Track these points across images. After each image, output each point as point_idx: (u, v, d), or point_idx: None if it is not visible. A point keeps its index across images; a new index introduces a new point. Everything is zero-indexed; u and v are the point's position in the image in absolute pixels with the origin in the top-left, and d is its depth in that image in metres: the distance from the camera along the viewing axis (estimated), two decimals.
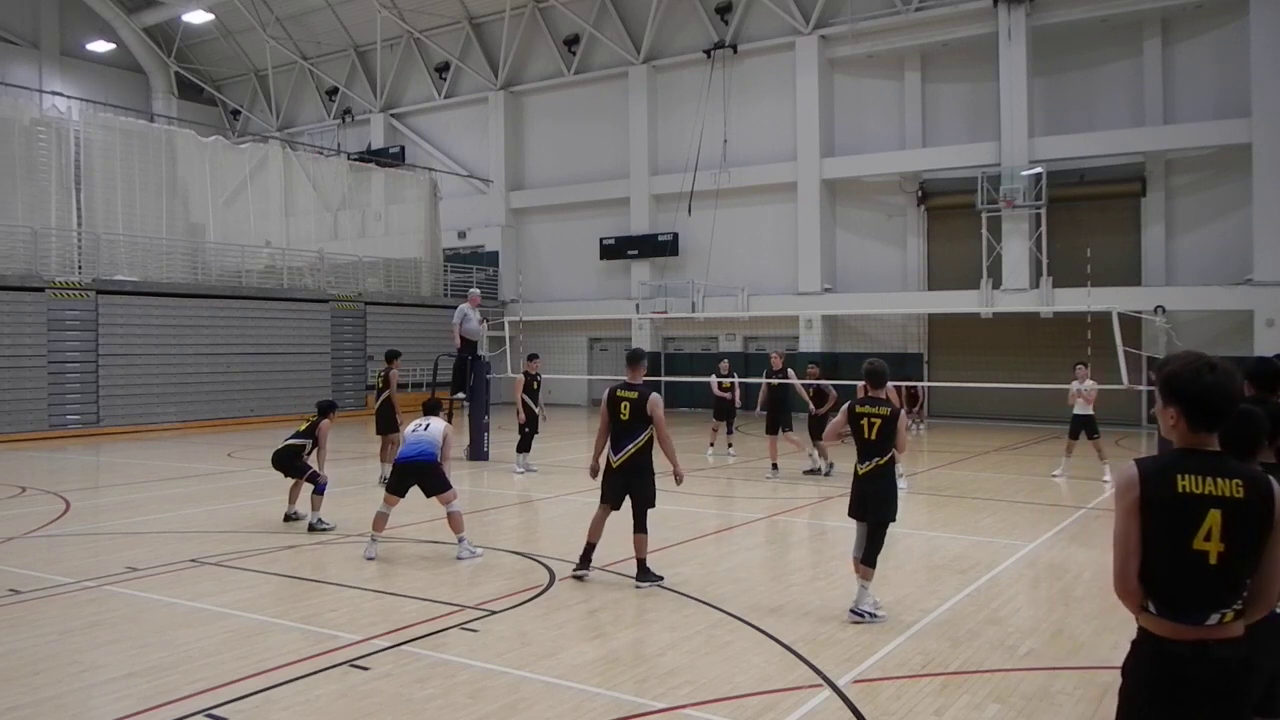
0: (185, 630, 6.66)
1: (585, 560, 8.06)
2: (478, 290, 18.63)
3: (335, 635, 6.49)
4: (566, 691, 5.46)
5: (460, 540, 8.88)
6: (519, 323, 21.10)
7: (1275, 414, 4.21)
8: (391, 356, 14.49)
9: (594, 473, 8.05)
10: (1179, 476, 2.84)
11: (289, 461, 10.70)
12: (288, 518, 10.73)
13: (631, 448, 7.76)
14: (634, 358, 8.15)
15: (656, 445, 7.86)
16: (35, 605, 7.37)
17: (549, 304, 30.94)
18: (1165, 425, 2.99)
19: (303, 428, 10.91)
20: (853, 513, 7.08)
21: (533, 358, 15.72)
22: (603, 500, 7.97)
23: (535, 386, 15.41)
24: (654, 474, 7.90)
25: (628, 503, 7.85)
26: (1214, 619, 2.83)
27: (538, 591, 7.69)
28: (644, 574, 7.88)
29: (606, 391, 7.97)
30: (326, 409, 11.07)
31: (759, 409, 15.54)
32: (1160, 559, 2.86)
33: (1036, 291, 23.89)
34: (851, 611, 6.91)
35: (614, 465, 7.83)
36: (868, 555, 6.94)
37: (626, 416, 7.75)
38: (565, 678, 5.68)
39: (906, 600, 7.59)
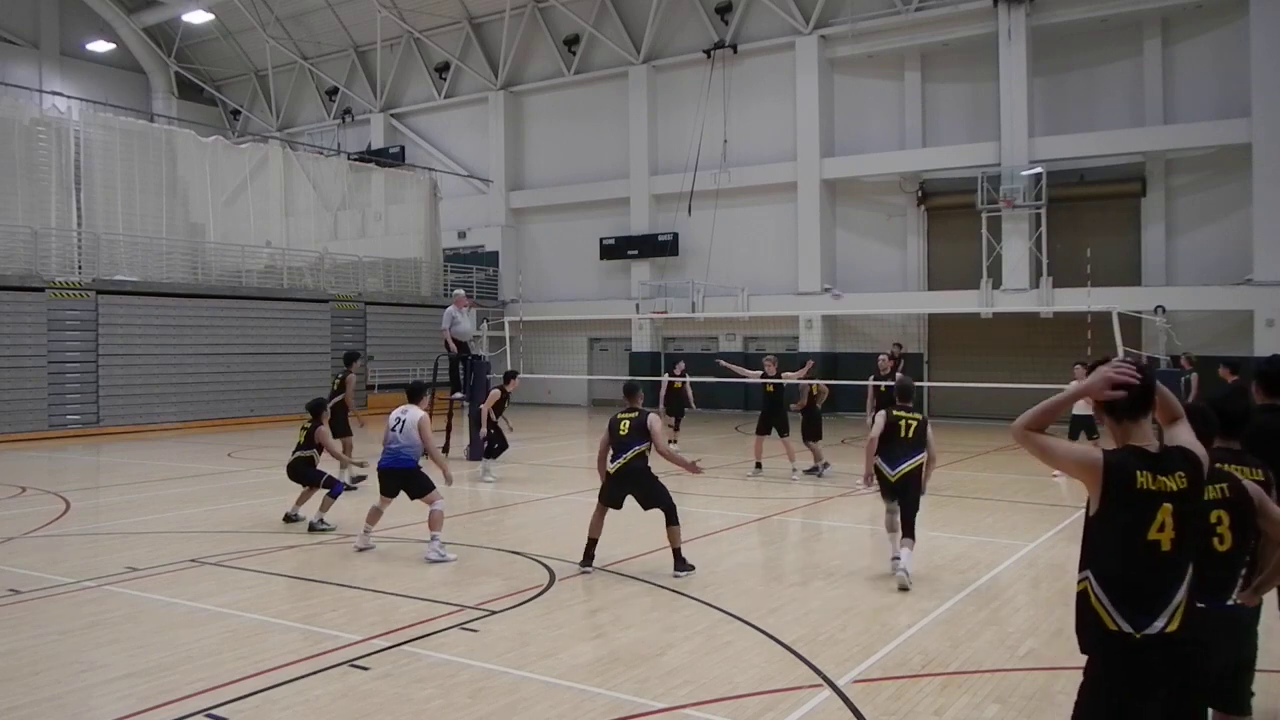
0: (185, 630, 6.66)
1: (589, 556, 8.41)
2: (462, 291, 18.62)
3: (335, 635, 6.50)
4: (566, 691, 5.46)
5: (433, 538, 8.84)
6: (519, 323, 21.10)
7: (1239, 408, 4.26)
8: (350, 359, 14.06)
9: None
10: (1138, 473, 3.04)
11: (303, 472, 10.74)
12: (288, 518, 10.73)
13: (629, 455, 8.28)
14: (629, 389, 8.83)
15: (655, 457, 8.41)
16: (35, 605, 7.37)
17: (549, 304, 30.94)
18: (1100, 423, 3.30)
19: (302, 438, 10.87)
20: (888, 497, 8.25)
21: (513, 376, 15.36)
22: (601, 501, 8.47)
23: (506, 405, 14.95)
24: (656, 476, 8.39)
25: (631, 502, 8.42)
26: (1176, 600, 3.04)
27: (538, 591, 7.70)
28: (680, 564, 8.27)
29: (609, 420, 8.56)
30: (316, 410, 10.99)
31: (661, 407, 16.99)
32: (1118, 552, 3.05)
33: (1036, 291, 23.88)
34: (904, 572, 7.85)
35: (611, 472, 8.36)
36: (909, 528, 8.06)
37: (626, 432, 8.35)
38: (565, 678, 5.69)
39: (907, 600, 7.59)
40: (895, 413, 8.41)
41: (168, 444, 19.99)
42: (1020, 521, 10.96)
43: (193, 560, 8.86)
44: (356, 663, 5.92)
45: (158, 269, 24.27)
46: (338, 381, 14.00)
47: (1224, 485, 3.69)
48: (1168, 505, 3.01)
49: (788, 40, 27.67)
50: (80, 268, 22.71)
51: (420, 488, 9.03)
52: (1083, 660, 3.16)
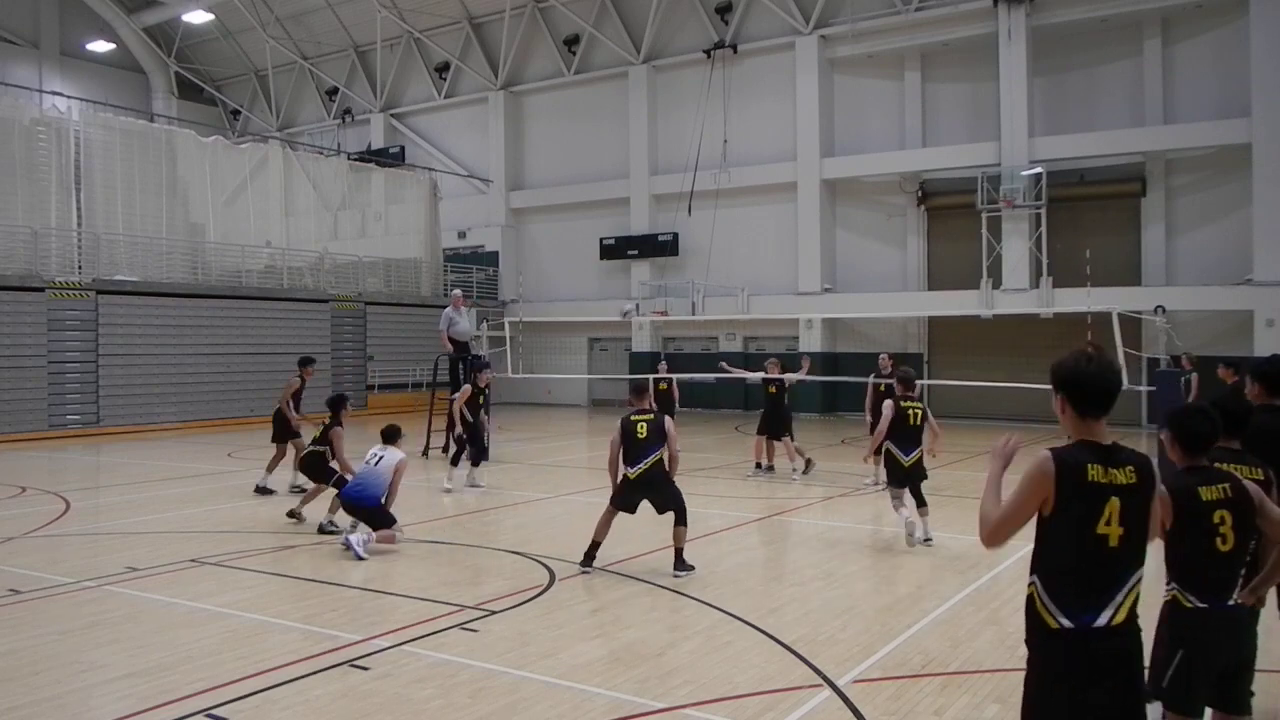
0: (185, 630, 6.66)
1: (590, 557, 8.36)
2: (459, 291, 18.58)
3: (335, 635, 6.49)
4: (566, 691, 5.46)
5: (369, 537, 8.92)
6: (519, 323, 21.08)
7: (1240, 407, 4.29)
8: (303, 363, 13.35)
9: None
10: (1089, 467, 3.08)
11: (314, 467, 10.68)
12: (291, 514, 10.65)
13: (649, 461, 8.18)
14: (638, 388, 8.72)
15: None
16: (35, 605, 7.37)
17: (549, 304, 30.94)
18: (1058, 414, 3.25)
19: (318, 433, 10.80)
20: (899, 483, 9.54)
21: (484, 368, 14.63)
22: (613, 505, 8.33)
23: (481, 401, 13.85)
24: (674, 480, 8.34)
25: (644, 506, 8.36)
26: (1120, 595, 3.06)
27: (538, 591, 7.69)
28: (680, 563, 8.23)
29: (620, 421, 8.34)
30: (335, 406, 10.85)
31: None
32: (1070, 546, 3.07)
33: (1036, 292, 23.87)
34: (928, 540, 9.26)
35: (631, 478, 8.22)
36: (921, 497, 9.57)
37: (644, 435, 8.21)
38: (565, 678, 5.69)
39: (906, 600, 7.60)
40: (903, 403, 9.51)
41: (168, 444, 19.99)
42: None
43: (193, 560, 8.85)
44: (356, 663, 5.92)
45: (158, 269, 24.26)
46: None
47: (1225, 485, 3.69)
48: (1115, 499, 3.04)
49: (788, 40, 27.67)
50: (80, 268, 22.70)
51: (381, 523, 9.21)
52: None
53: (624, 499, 8.28)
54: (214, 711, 5.15)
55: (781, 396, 14.75)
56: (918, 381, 18.27)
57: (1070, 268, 23.26)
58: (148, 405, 22.71)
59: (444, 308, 17.71)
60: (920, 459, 9.65)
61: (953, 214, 25.98)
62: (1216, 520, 3.64)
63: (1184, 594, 3.68)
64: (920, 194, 26.65)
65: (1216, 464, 3.83)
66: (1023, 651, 6.25)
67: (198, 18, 36.07)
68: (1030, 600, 3.16)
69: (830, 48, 27.34)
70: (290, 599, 7.68)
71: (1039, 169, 23.85)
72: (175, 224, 25.73)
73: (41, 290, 21.11)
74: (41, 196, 22.59)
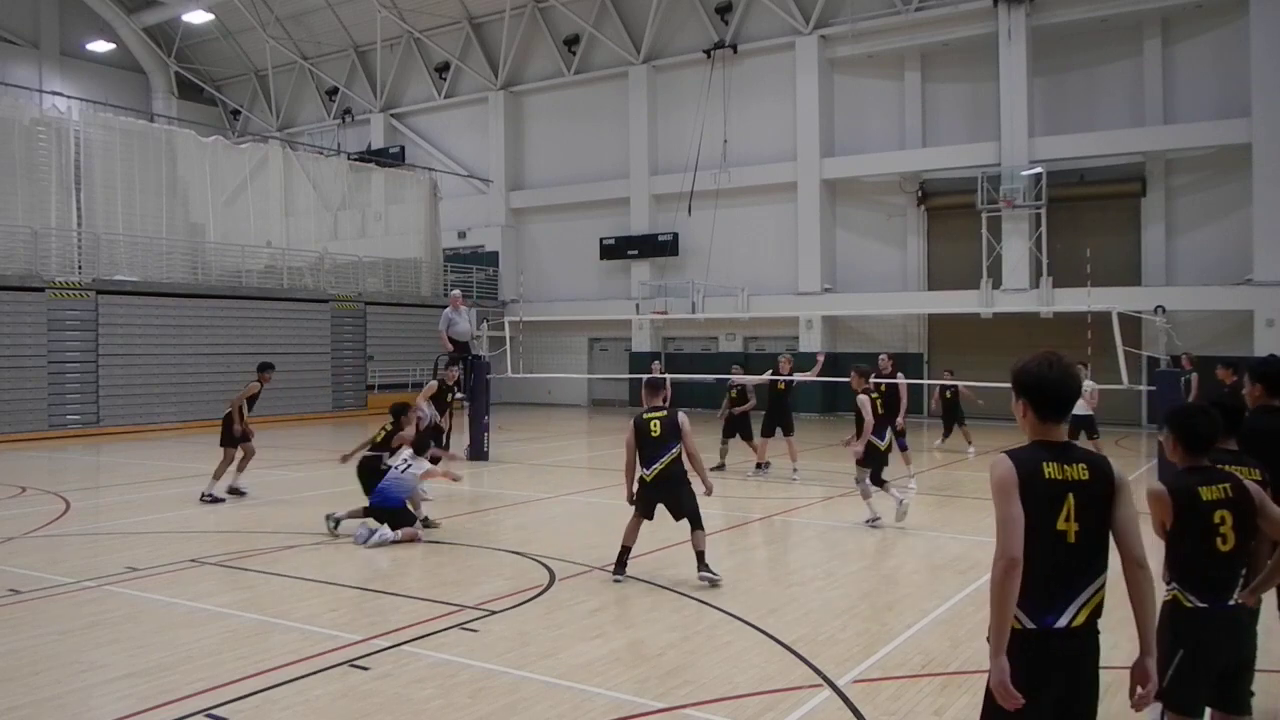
0: (185, 630, 6.66)
1: (621, 564, 8.16)
2: (458, 292, 18.56)
3: (335, 635, 6.49)
4: (566, 691, 5.46)
5: (389, 535, 9.35)
6: (519, 323, 21.06)
7: (1238, 407, 4.29)
8: (263, 369, 12.86)
9: (632, 499, 8.17)
10: (1044, 465, 3.09)
11: (367, 475, 10.16)
12: (343, 531, 9.95)
13: (665, 459, 7.95)
14: (653, 385, 8.54)
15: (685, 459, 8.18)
16: (35, 605, 7.37)
17: (549, 304, 30.94)
18: (1017, 417, 3.22)
19: (379, 437, 10.44)
20: (871, 464, 10.50)
21: (453, 363, 14.25)
22: (636, 511, 8.14)
23: (450, 399, 13.57)
24: (690, 482, 8.10)
25: (662, 508, 8.12)
26: (1083, 596, 3.05)
27: (538, 591, 7.70)
28: (704, 567, 8.01)
29: (632, 421, 8.14)
30: (398, 414, 10.49)
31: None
32: (1030, 540, 3.08)
33: (1036, 291, 23.88)
34: (901, 503, 10.21)
35: (647, 480, 8.01)
36: (879, 480, 10.52)
37: (658, 433, 7.98)
38: (565, 678, 5.69)
39: (906, 600, 7.60)
40: (873, 394, 10.72)
41: (168, 444, 19.98)
42: None
43: (193, 560, 8.86)
44: (356, 663, 5.92)
45: (158, 269, 24.26)
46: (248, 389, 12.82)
47: (1226, 485, 3.69)
48: (1071, 495, 3.06)
49: (788, 40, 27.67)
50: (80, 268, 22.70)
51: (402, 521, 9.58)
52: None
53: (642, 504, 8.07)
54: (214, 711, 5.15)
55: (788, 396, 14.88)
56: (917, 383, 18.19)
57: (1070, 268, 23.26)
58: (148, 405, 22.70)
59: (444, 308, 17.70)
60: (891, 442, 10.92)
61: (953, 214, 25.99)
62: (1217, 520, 3.64)
63: (1184, 594, 3.68)
64: (920, 194, 26.66)
65: (1219, 465, 3.83)
66: None
67: (198, 18, 36.07)
68: None
69: (830, 48, 27.35)
70: (290, 599, 7.68)
71: (1039, 169, 23.86)
72: (175, 224, 25.73)
73: (41, 290, 21.10)
74: (41, 196, 22.59)
